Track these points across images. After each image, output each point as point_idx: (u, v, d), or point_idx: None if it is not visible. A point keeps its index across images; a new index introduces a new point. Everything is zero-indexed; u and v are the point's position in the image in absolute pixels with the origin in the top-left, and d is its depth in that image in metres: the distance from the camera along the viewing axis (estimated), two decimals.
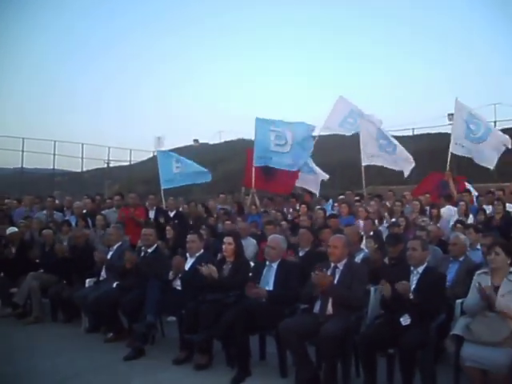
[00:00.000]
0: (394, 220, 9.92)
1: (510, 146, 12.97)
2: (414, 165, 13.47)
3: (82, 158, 31.01)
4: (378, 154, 13.46)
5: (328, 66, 78.46)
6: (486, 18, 71.60)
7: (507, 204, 10.37)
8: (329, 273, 5.86)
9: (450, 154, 12.63)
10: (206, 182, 14.45)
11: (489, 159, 12.97)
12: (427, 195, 11.59)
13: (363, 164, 13.26)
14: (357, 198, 12.44)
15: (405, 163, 13.52)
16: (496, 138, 13.11)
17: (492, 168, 13.14)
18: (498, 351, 4.73)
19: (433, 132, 31.22)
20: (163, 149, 24.72)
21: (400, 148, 13.58)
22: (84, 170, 32.72)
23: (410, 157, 13.59)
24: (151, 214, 11.39)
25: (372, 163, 13.65)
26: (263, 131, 13.30)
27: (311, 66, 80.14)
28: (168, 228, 9.95)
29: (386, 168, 14.02)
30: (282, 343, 5.81)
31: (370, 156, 13.40)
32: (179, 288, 7.14)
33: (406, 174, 13.59)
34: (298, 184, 13.83)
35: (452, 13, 74.21)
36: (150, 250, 7.83)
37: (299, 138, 13.44)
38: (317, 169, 14.24)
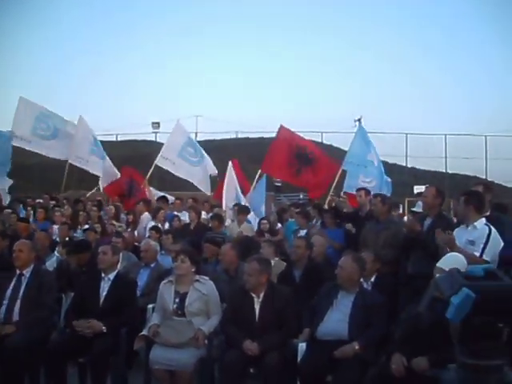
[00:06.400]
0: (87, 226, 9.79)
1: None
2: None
3: None
4: (87, 159, 13.69)
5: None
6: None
7: (202, 212, 11.04)
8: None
9: (154, 165, 13.03)
10: None
11: (204, 182, 13.67)
12: (119, 204, 11.84)
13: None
14: (53, 202, 12.14)
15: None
16: (208, 165, 13.84)
17: (209, 194, 13.67)
18: (184, 352, 5.08)
19: (139, 139, 32.00)
20: None
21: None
22: None
23: None
24: None
25: (79, 165, 13.66)
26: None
27: None
28: None
29: (87, 172, 14.03)
30: None
31: (76, 158, 13.62)
32: None
33: None
34: None
35: None
36: None
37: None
38: None
